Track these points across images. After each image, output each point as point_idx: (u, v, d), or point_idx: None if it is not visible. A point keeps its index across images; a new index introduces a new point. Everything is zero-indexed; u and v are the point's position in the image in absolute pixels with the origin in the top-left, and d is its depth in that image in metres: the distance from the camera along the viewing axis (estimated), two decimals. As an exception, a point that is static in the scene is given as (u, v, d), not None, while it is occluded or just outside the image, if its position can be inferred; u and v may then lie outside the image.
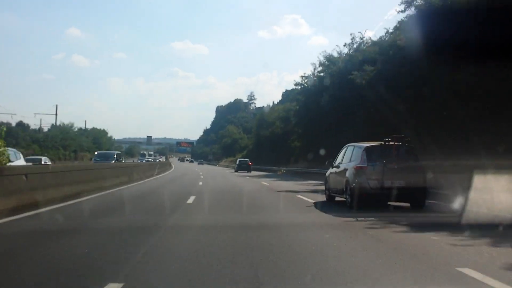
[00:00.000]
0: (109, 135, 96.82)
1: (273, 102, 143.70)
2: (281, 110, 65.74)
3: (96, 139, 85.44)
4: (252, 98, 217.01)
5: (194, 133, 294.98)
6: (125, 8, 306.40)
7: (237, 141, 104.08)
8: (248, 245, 6.63)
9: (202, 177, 31.77)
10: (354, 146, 12.50)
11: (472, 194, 9.56)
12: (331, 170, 13.51)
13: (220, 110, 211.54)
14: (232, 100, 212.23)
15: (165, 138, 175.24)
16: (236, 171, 47.47)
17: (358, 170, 11.33)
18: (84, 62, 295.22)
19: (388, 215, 10.41)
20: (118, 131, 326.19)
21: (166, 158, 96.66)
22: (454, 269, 5.24)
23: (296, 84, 40.34)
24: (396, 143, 11.37)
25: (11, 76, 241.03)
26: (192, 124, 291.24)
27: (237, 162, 51.91)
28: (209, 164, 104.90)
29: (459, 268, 5.27)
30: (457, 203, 10.46)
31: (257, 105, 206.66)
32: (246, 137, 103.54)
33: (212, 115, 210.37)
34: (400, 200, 11.56)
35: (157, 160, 75.15)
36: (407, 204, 11.87)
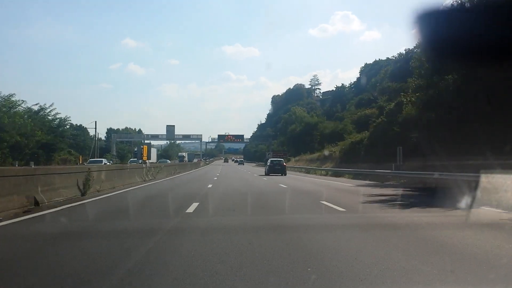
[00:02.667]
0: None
1: (343, 84, 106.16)
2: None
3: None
4: (317, 82, 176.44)
5: (248, 134, 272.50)
6: (176, 17, 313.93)
7: (314, 127, 65.13)
8: None
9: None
10: None
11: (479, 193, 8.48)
12: None
13: (276, 101, 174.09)
14: (291, 87, 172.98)
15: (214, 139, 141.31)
16: (267, 174, 39.89)
17: None
18: (140, 71, 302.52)
19: None
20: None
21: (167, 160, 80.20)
22: None
23: None
24: None
25: (72, 86, 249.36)
26: (247, 125, 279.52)
27: (268, 163, 42.58)
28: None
29: None
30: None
31: (322, 90, 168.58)
32: (326, 121, 65.05)
33: (265, 114, 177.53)
34: None
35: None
36: None
